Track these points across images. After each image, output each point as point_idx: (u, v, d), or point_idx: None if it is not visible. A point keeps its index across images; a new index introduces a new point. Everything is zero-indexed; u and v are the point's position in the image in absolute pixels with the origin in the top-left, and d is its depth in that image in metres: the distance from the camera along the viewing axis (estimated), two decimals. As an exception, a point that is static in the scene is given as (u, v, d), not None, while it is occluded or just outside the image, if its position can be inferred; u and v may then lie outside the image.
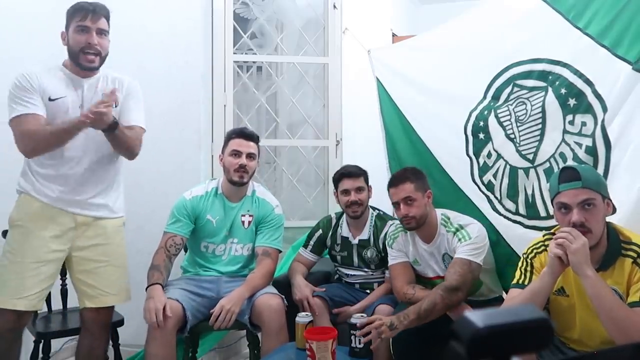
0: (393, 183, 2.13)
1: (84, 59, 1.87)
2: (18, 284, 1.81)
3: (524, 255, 1.67)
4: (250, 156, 2.22)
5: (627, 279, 1.44)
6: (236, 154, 2.21)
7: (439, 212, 2.16)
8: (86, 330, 2.00)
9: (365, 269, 2.39)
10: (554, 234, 1.55)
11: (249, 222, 2.28)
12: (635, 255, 1.44)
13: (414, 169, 2.20)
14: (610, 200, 1.54)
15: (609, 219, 1.56)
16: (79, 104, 1.89)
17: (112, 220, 2.00)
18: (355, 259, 2.40)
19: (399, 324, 1.83)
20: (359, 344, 1.80)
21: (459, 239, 2.03)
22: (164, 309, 1.92)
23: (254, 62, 3.24)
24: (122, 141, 1.89)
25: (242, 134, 2.25)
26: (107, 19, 1.91)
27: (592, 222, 1.46)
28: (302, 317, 1.95)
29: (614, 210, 1.55)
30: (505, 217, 2.26)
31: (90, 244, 1.93)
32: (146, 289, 2.06)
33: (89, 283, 1.94)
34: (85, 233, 1.92)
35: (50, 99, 1.85)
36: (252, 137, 2.26)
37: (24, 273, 1.82)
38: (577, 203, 1.47)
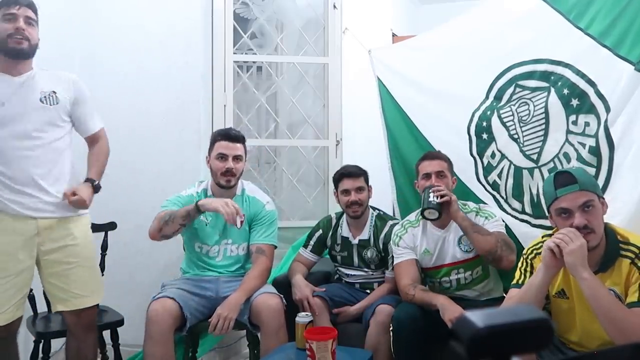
0: (427, 157, 2.22)
1: (12, 42, 1.80)
2: None
3: (524, 256, 1.67)
4: (236, 158, 2.20)
5: (626, 279, 1.44)
6: (222, 157, 2.19)
7: None
8: (71, 334, 1.97)
9: (366, 269, 2.39)
10: (552, 235, 1.54)
11: (241, 222, 2.27)
12: (633, 255, 1.44)
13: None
14: (604, 199, 1.55)
15: (611, 219, 1.56)
16: (12, 94, 1.81)
17: (77, 219, 1.94)
18: (356, 259, 2.40)
19: (458, 208, 2.03)
20: (436, 199, 2.01)
21: (486, 217, 2.10)
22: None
23: (254, 62, 3.23)
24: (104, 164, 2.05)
25: (228, 136, 2.23)
26: (34, 11, 1.86)
27: (594, 222, 1.46)
28: (302, 317, 1.94)
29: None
30: (512, 215, 2.28)
31: (57, 245, 1.87)
32: (196, 207, 2.07)
33: (59, 286, 1.88)
34: (50, 236, 1.86)
35: None
36: (238, 139, 2.24)
37: None
38: (577, 206, 1.47)
